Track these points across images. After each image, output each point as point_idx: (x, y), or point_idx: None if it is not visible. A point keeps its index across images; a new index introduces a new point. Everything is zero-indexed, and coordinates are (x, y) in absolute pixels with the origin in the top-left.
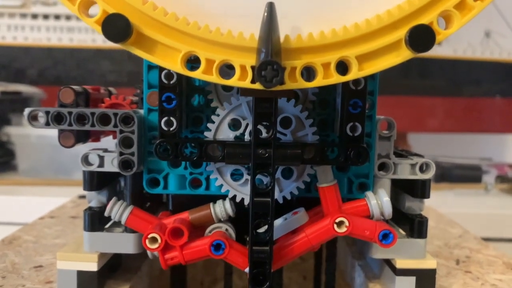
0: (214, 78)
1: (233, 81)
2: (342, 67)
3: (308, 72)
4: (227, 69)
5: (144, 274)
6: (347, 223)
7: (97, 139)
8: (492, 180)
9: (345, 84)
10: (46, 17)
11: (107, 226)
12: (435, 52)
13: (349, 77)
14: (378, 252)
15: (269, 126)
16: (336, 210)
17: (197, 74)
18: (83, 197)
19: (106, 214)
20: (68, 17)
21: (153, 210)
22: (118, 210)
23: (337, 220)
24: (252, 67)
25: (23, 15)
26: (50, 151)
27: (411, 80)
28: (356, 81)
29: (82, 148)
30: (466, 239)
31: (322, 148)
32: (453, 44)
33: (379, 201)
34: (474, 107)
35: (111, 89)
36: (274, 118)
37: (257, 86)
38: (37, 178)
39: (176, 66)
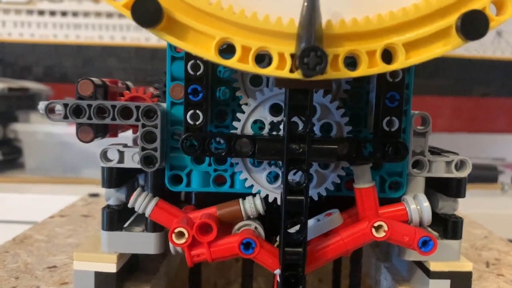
0: (250, 67)
1: (271, 70)
2: (384, 56)
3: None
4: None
5: (162, 275)
6: (385, 228)
7: (114, 135)
8: (508, 180)
9: (382, 77)
10: (52, 13)
11: (125, 225)
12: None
13: (396, 66)
14: (411, 254)
15: (304, 120)
16: (373, 213)
17: (232, 63)
18: (93, 195)
19: (130, 204)
20: (75, 14)
21: None
22: (143, 201)
23: (375, 224)
24: (292, 55)
25: (30, 12)
26: (58, 148)
27: (420, 79)
28: (393, 73)
29: (90, 147)
30: (492, 241)
31: (358, 143)
32: None
33: (419, 206)
34: (485, 106)
35: (128, 83)
36: (309, 111)
37: (296, 75)
38: (45, 176)
39: (210, 53)
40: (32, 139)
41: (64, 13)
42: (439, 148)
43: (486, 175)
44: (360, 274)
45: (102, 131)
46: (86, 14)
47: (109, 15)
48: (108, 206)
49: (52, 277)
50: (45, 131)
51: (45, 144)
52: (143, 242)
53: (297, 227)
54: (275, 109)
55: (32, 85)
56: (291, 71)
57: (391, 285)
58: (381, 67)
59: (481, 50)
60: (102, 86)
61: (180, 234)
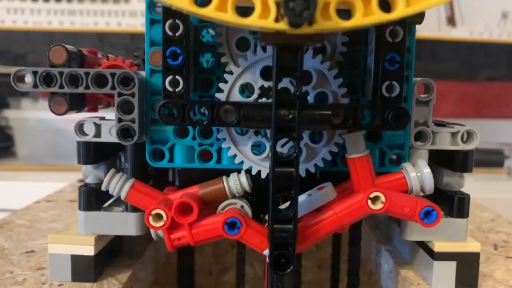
0: (229, 16)
1: (253, 20)
2: (382, 5)
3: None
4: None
5: (148, 260)
6: (383, 199)
7: (94, 109)
8: None
9: (381, 37)
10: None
11: (105, 205)
12: (450, 34)
13: (395, 14)
14: (414, 234)
15: (294, 82)
16: (369, 184)
17: (209, 12)
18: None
19: (103, 187)
20: (69, 0)
21: (157, 188)
22: (117, 183)
23: (371, 195)
24: (277, 3)
25: None
26: (50, 135)
27: (423, 63)
28: (393, 33)
29: None
30: (499, 223)
31: (355, 110)
32: (469, 26)
33: (419, 173)
34: (491, 91)
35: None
36: (299, 72)
37: (282, 25)
38: (38, 164)
39: (183, 1)
40: (23, 126)
41: None
42: (443, 120)
43: (492, 159)
44: (359, 258)
45: (79, 103)
46: (81, 0)
47: (104, 0)
48: (85, 185)
49: (29, 262)
50: (36, 118)
51: (37, 131)
52: (123, 223)
53: (287, 203)
54: (266, 73)
55: None
56: (277, 20)
57: (393, 268)
58: (378, 16)
59: (486, 33)
60: (78, 55)
61: (158, 216)
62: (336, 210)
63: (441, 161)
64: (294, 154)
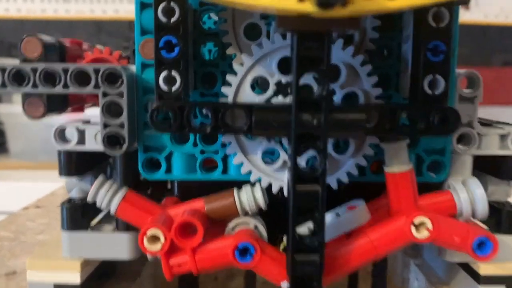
0: None
1: (270, 0)
2: None
3: None
4: None
5: (145, 280)
6: (429, 225)
7: (79, 109)
8: None
9: (421, 21)
10: None
11: (93, 223)
12: (463, 17)
13: None
14: (455, 255)
15: (319, 78)
16: (411, 205)
17: None
18: None
19: (89, 198)
20: None
21: (155, 198)
22: (106, 194)
23: (415, 221)
24: None
25: None
26: (45, 131)
27: None
28: (437, 16)
29: None
30: None
31: (392, 112)
32: (483, 9)
33: (470, 194)
34: (506, 77)
35: (99, 47)
36: (326, 65)
37: (308, 6)
38: (31, 162)
39: None
40: (16, 121)
41: None
42: (487, 119)
43: None
44: (385, 272)
45: (59, 104)
46: None
47: None
48: (69, 200)
49: (7, 287)
50: None
51: (30, 126)
52: (114, 245)
53: (310, 225)
54: (285, 65)
55: (15, 62)
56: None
57: (425, 287)
58: None
59: (502, 16)
60: (56, 46)
61: (154, 238)
62: (371, 237)
63: (486, 167)
64: (320, 169)
